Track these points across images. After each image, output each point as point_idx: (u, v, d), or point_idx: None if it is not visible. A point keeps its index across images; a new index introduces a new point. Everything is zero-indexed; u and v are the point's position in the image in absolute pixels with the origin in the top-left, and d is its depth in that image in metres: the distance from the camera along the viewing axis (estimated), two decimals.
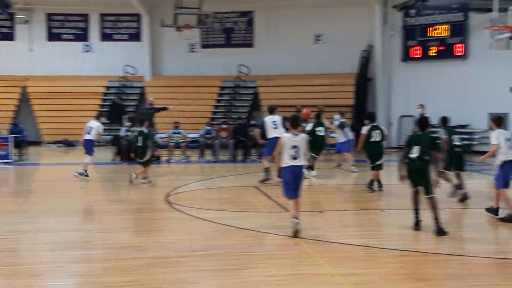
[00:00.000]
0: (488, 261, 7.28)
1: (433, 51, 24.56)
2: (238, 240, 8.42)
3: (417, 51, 25.00)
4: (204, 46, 28.72)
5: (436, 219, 8.56)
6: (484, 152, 10.62)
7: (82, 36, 29.03)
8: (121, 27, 29.18)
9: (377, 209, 11.11)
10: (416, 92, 24.65)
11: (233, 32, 28.52)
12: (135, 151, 14.19)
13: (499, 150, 9.69)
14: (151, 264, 7.10)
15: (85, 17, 29.05)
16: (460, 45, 23.79)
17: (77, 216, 10.58)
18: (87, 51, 29.03)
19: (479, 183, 13.66)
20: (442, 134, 11.96)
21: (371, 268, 6.92)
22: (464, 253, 7.73)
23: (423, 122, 9.50)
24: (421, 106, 20.30)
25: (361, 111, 25.21)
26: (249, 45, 28.32)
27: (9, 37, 28.78)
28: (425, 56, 24.75)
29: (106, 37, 29.08)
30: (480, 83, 22.90)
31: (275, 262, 7.13)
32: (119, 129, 21.01)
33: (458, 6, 22.88)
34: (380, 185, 12.71)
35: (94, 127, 14.88)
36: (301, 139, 8.52)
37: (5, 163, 18.63)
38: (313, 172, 15.10)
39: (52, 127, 26.90)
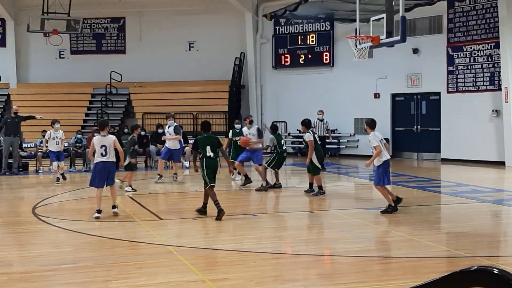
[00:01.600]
0: (354, 260, 7.66)
1: (302, 59, 25.46)
2: (109, 250, 8.26)
3: (287, 59, 25.80)
4: (74, 52, 27.88)
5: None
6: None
7: None
8: None
9: (249, 213, 11.33)
10: (287, 98, 25.44)
11: (104, 38, 27.92)
12: None
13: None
14: (16, 279, 6.80)
15: None
16: (327, 53, 24.86)
17: None
18: None
19: (342, 185, 14.30)
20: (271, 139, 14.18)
21: (242, 272, 7.04)
22: (332, 253, 8.09)
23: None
24: (321, 112, 21.18)
25: (235, 117, 25.63)
26: (121, 52, 27.86)
27: None
28: (295, 64, 25.60)
29: None
30: (346, 89, 24.04)
31: (146, 271, 7.07)
32: None
33: (325, 16, 23.88)
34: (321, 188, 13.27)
35: None
36: (109, 139, 10.69)
37: None
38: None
39: None
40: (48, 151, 17.09)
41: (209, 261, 7.59)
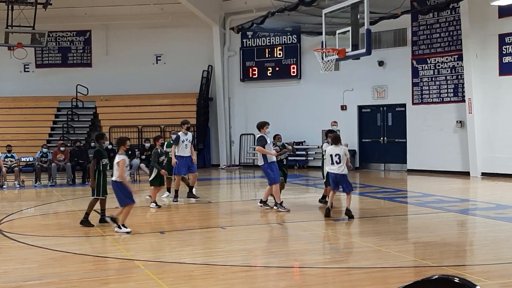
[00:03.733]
0: (323, 271, 7.67)
1: (269, 71, 25.57)
2: (76, 266, 8.13)
3: (254, 71, 25.88)
4: (39, 65, 27.58)
5: None
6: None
7: None
8: None
9: (218, 226, 11.28)
10: (255, 111, 25.50)
11: (70, 51, 27.67)
12: None
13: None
14: None
15: None
16: (294, 66, 25.02)
17: None
18: None
19: (310, 197, 14.35)
20: None
21: (211, 286, 7.00)
22: (302, 265, 8.10)
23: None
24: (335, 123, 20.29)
25: (203, 130, 25.61)
26: (87, 65, 27.64)
27: None
28: (262, 76, 25.71)
29: None
30: (313, 102, 24.21)
31: (113, 287, 6.97)
32: None
33: (292, 29, 24.06)
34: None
35: None
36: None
37: None
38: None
39: None
40: None
41: (177, 275, 7.53)
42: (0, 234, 10.46)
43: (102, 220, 11.05)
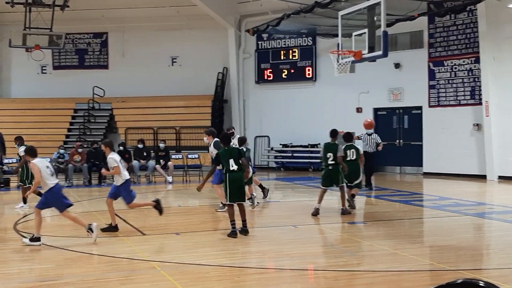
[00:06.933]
0: (337, 274, 7.66)
1: (284, 74, 25.55)
2: (92, 266, 8.18)
3: (270, 74, 25.88)
4: (56, 67, 27.80)
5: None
6: None
7: None
8: None
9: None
10: (270, 113, 25.52)
11: (86, 53, 27.86)
12: None
13: None
14: None
15: None
16: (309, 68, 24.98)
17: None
18: None
19: (324, 199, 14.28)
20: None
21: (225, 287, 7.01)
22: (316, 268, 8.09)
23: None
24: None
25: (218, 132, 25.60)
26: (104, 67, 27.82)
27: None
28: (278, 78, 25.70)
29: None
30: (328, 104, 24.14)
31: (129, 287, 7.01)
32: None
33: (307, 31, 24.02)
34: (352, 204, 12.93)
35: None
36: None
37: None
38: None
39: None
40: None
41: (192, 276, 7.54)
42: (18, 235, 10.55)
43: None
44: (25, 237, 9.85)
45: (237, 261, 8.34)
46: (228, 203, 9.97)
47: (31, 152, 9.94)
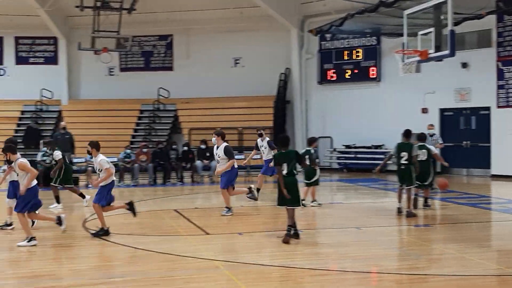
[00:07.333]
0: (402, 277, 7.55)
1: (348, 74, 25.33)
2: (157, 264, 8.34)
3: (333, 74, 25.71)
4: (123, 69, 28.47)
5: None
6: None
7: None
8: (37, 50, 28.51)
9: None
10: (333, 113, 25.35)
11: (152, 55, 28.43)
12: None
13: None
14: None
15: None
16: (374, 68, 24.67)
17: None
18: (1, 75, 28.17)
19: (390, 201, 14.09)
20: None
21: None
22: (380, 271, 7.99)
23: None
24: (432, 126, 19.41)
25: (280, 132, 25.64)
26: (169, 68, 28.30)
27: None
28: (341, 79, 25.49)
29: (21, 60, 28.33)
30: (393, 105, 23.78)
31: (194, 286, 7.11)
32: (35, 154, 20.38)
33: (371, 30, 23.73)
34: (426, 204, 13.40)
35: None
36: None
37: None
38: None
39: None
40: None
41: (256, 276, 7.58)
42: (86, 232, 10.88)
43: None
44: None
45: (300, 262, 8.33)
46: (278, 206, 9.82)
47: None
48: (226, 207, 12.86)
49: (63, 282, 7.51)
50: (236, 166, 12.95)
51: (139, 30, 26.91)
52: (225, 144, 12.89)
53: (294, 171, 9.62)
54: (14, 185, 10.76)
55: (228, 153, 12.72)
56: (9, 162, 10.08)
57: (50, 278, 7.75)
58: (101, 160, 10.50)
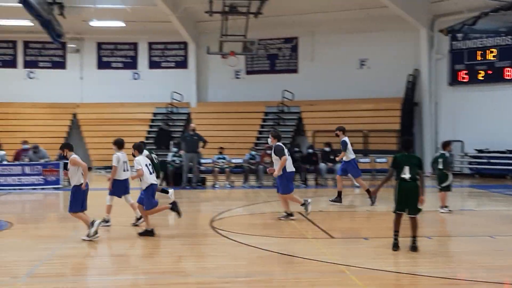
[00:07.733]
0: None
1: (481, 75, 24.16)
2: (281, 266, 8.36)
3: (464, 75, 24.64)
4: (249, 72, 29.01)
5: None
6: None
7: (131, 64, 29.75)
8: (168, 55, 29.81)
9: (424, 236, 10.86)
10: (464, 116, 24.28)
11: (277, 58, 28.74)
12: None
13: None
14: None
15: (134, 46, 29.77)
16: (509, 69, 23.35)
17: (124, 241, 10.65)
18: (135, 79, 29.71)
19: None
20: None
21: None
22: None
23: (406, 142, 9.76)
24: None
25: (408, 135, 24.94)
26: (293, 71, 28.47)
27: (61, 65, 29.71)
28: (473, 80, 24.37)
29: (154, 65, 29.74)
30: None
31: None
32: (166, 155, 21.25)
33: (506, 29, 22.49)
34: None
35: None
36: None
37: (55, 188, 19.12)
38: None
39: (101, 153, 27.32)
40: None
41: (382, 282, 7.38)
42: (213, 231, 11.14)
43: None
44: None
45: (428, 270, 8.00)
46: (394, 211, 9.37)
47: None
48: (285, 212, 12.61)
49: (191, 279, 7.72)
50: (289, 169, 12.53)
51: (265, 33, 27.29)
52: (276, 143, 12.69)
53: (417, 176, 9.20)
54: (121, 183, 11.69)
55: (277, 152, 12.52)
56: (65, 158, 11.04)
57: (178, 274, 8.01)
58: (136, 160, 10.72)
